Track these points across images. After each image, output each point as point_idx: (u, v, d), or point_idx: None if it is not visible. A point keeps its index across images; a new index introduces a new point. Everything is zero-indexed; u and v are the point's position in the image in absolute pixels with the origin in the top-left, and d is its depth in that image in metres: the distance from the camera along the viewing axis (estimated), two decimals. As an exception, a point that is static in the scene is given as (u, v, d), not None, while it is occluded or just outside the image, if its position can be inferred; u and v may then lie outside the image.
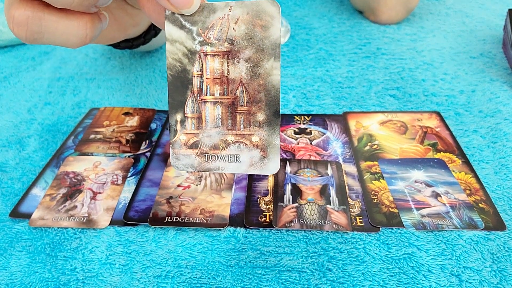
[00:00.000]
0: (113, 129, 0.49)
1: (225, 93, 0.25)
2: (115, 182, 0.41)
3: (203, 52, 0.24)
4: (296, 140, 0.47)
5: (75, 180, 0.42)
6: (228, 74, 0.24)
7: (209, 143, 0.25)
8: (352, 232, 0.36)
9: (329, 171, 0.42)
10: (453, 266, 0.33)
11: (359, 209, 0.38)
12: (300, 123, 0.49)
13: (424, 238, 0.35)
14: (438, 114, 0.50)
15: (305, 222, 0.36)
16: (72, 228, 0.37)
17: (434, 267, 0.33)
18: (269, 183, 0.41)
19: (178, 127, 0.25)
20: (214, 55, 0.24)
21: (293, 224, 0.36)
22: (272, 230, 0.36)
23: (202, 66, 0.24)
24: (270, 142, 0.25)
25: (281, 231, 0.36)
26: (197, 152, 0.26)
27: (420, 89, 0.55)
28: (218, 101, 0.25)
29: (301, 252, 0.34)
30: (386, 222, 0.36)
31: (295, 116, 0.51)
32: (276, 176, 0.42)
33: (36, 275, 0.33)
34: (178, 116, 0.25)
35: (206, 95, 0.25)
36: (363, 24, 0.74)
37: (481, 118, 0.49)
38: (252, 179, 0.41)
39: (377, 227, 0.36)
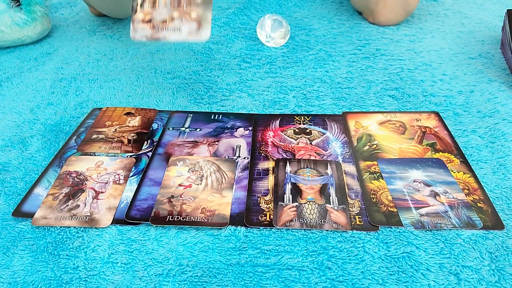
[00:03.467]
0: (115, 129, 0.50)
1: None
2: (117, 182, 0.42)
3: None
4: (296, 140, 0.47)
5: (78, 180, 0.42)
6: None
7: (160, 18, 0.34)
8: (351, 231, 0.36)
9: (329, 171, 0.42)
10: (451, 265, 0.33)
11: (359, 208, 0.38)
12: (300, 123, 0.50)
13: (423, 237, 0.35)
14: (437, 114, 0.50)
15: (305, 221, 0.37)
16: (74, 227, 0.37)
17: (433, 266, 0.33)
18: (270, 182, 0.41)
19: (138, 8, 0.34)
20: None
21: (293, 223, 0.37)
22: (273, 229, 0.37)
23: None
24: (204, 17, 0.33)
25: (281, 230, 0.37)
26: (151, 26, 0.34)
27: (419, 90, 0.55)
28: None
29: (301, 251, 0.35)
30: (385, 221, 0.37)
31: (295, 116, 0.51)
32: (276, 175, 0.42)
33: (38, 274, 0.34)
34: (139, 0, 0.34)
35: None
36: (362, 25, 0.74)
37: (479, 118, 0.50)
38: (253, 179, 0.42)
39: (376, 226, 0.36)
